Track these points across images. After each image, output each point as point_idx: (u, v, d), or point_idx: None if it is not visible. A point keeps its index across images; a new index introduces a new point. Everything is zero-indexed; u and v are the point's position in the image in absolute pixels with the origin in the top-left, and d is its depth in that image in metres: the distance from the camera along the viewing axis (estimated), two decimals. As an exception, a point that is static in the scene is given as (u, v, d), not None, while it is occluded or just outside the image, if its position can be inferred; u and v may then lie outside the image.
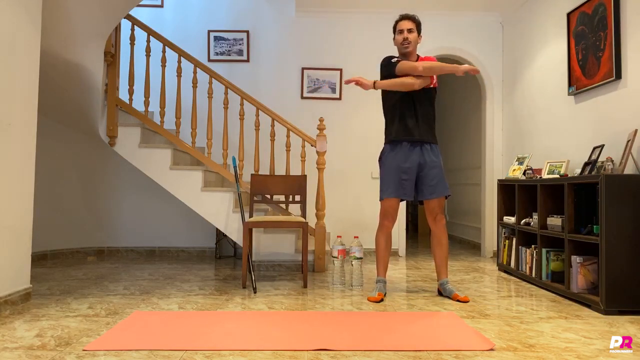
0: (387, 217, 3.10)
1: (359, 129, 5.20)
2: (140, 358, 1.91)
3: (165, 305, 2.78)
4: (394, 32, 3.16)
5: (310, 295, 3.11)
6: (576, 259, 3.01)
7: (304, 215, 3.88)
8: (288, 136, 4.32)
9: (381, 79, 3.15)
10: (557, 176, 3.47)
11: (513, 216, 3.97)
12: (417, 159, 3.04)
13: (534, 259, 3.53)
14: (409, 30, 3.08)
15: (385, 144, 3.16)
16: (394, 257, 4.92)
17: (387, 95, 3.16)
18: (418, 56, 3.17)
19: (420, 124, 3.05)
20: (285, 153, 4.59)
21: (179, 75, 4.32)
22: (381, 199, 3.11)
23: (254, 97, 4.48)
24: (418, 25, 3.13)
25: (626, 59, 3.26)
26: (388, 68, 3.09)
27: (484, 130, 5.27)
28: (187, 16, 5.27)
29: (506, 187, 4.17)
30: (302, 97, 5.21)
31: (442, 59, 5.46)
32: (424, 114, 3.07)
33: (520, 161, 4.14)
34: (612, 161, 3.07)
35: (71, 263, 4.33)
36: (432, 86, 3.10)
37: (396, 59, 3.10)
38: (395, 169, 3.04)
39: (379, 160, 3.18)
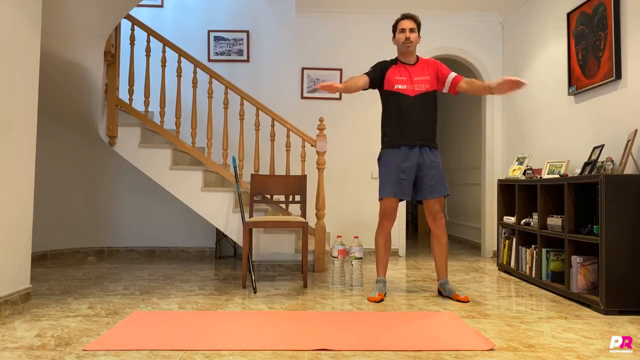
0: (386, 217, 3.10)
1: (359, 129, 5.20)
2: (140, 358, 1.91)
3: (165, 305, 2.78)
4: (394, 31, 3.15)
5: (310, 295, 3.11)
6: (576, 259, 3.01)
7: (304, 215, 3.88)
8: (288, 136, 4.32)
9: None
10: (557, 176, 3.47)
11: (513, 216, 3.97)
12: (416, 159, 3.03)
13: (534, 259, 3.53)
14: (411, 30, 3.07)
15: (383, 147, 3.14)
16: (394, 257, 4.93)
17: (384, 98, 3.15)
18: (418, 57, 3.17)
19: (419, 129, 3.04)
20: (285, 153, 4.60)
21: (179, 75, 4.32)
22: (380, 199, 3.11)
23: (254, 97, 4.48)
24: (419, 25, 3.13)
25: (626, 59, 3.26)
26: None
27: (484, 130, 5.28)
28: (187, 16, 5.27)
29: (506, 187, 4.17)
30: (302, 97, 5.21)
31: (442, 59, 5.47)
32: (423, 118, 3.05)
33: (520, 161, 4.14)
34: (612, 161, 3.07)
35: (71, 263, 4.33)
36: (435, 89, 3.12)
37: (372, 68, 3.14)
38: (394, 168, 3.04)
39: (378, 160, 3.17)
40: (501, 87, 2.87)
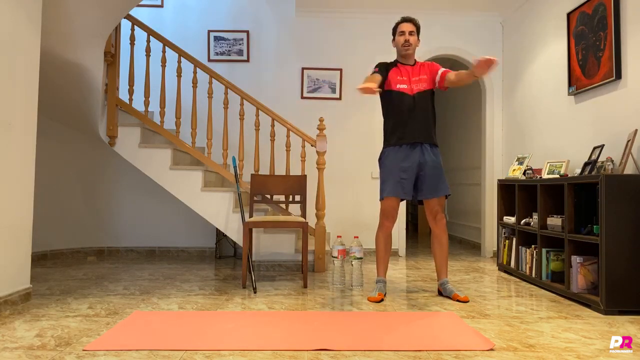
0: (387, 217, 3.10)
1: (359, 129, 5.20)
2: (140, 358, 1.91)
3: (165, 305, 2.78)
4: (394, 34, 3.18)
5: (310, 295, 3.11)
6: (576, 259, 3.01)
7: (304, 215, 3.88)
8: (288, 136, 4.32)
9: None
10: (557, 176, 3.47)
11: (513, 216, 3.97)
12: (417, 159, 3.04)
13: (534, 259, 3.53)
14: (410, 33, 3.10)
15: (384, 147, 3.16)
16: (394, 257, 4.92)
17: (386, 98, 3.16)
18: (416, 60, 3.19)
19: (420, 126, 3.05)
20: (285, 153, 4.60)
21: (179, 75, 4.32)
22: (381, 199, 3.11)
23: (254, 97, 4.48)
24: (418, 28, 3.16)
25: (626, 59, 3.26)
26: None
27: (484, 130, 5.28)
28: (187, 16, 5.27)
29: (506, 187, 4.17)
30: (302, 97, 5.21)
31: (442, 59, 5.47)
32: (423, 116, 3.06)
33: (520, 161, 4.14)
34: (612, 161, 3.07)
35: (71, 263, 4.33)
36: (432, 89, 3.12)
37: (374, 69, 3.11)
38: (395, 168, 3.05)
39: (379, 160, 3.18)
40: (480, 69, 2.71)
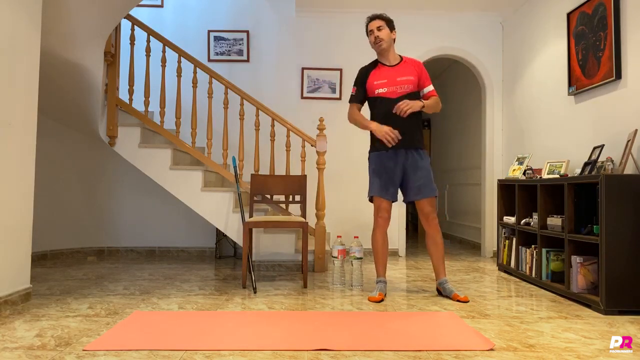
0: (380, 215, 3.13)
1: (359, 129, 5.17)
2: (140, 358, 1.91)
3: (165, 305, 2.78)
4: (368, 35, 3.20)
5: (310, 295, 3.11)
6: (576, 259, 3.01)
7: (304, 215, 3.88)
8: (288, 136, 4.32)
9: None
10: (557, 176, 3.47)
11: (513, 216, 3.97)
12: (402, 161, 3.06)
13: (534, 259, 3.53)
14: (379, 29, 3.11)
15: (370, 151, 3.19)
16: (394, 257, 4.92)
17: (370, 105, 3.19)
18: (401, 57, 3.17)
19: (404, 131, 3.02)
20: (285, 153, 4.59)
21: (179, 75, 4.32)
22: (369, 199, 3.16)
23: (254, 97, 4.48)
24: (388, 22, 3.14)
25: (626, 59, 3.26)
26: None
27: (484, 130, 5.27)
28: (187, 16, 5.27)
29: (506, 187, 4.17)
30: (302, 97, 5.21)
31: (442, 59, 5.49)
32: (407, 120, 3.02)
33: (520, 161, 4.14)
34: (612, 161, 3.07)
35: (71, 263, 4.33)
36: (417, 90, 3.11)
37: (352, 95, 3.24)
38: (379, 168, 3.09)
39: (368, 160, 3.21)
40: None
